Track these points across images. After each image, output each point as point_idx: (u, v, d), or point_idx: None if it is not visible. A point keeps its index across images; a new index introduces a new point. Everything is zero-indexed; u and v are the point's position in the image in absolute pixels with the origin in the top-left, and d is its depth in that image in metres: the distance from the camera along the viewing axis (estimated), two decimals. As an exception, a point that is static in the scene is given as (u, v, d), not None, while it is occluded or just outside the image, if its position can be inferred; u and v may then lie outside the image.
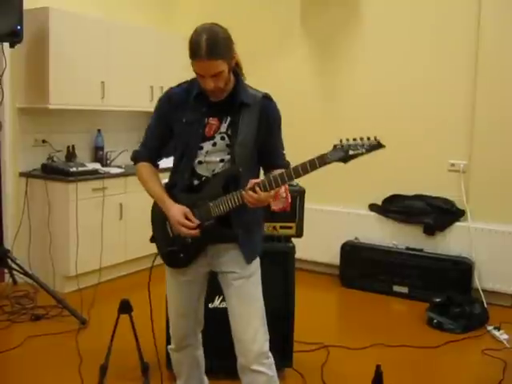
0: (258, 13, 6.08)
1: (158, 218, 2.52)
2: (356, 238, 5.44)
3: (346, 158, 2.16)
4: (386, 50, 5.41)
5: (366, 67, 5.52)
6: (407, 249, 5.16)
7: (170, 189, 2.47)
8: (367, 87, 5.51)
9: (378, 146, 2.13)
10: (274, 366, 2.49)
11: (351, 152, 2.14)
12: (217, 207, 2.33)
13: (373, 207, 5.51)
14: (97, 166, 5.39)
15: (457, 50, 5.05)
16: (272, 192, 2.22)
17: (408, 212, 5.26)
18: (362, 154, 2.14)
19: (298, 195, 3.39)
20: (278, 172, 2.24)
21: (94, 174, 5.10)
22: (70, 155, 5.40)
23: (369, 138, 2.14)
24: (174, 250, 2.47)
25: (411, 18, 5.26)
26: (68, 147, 5.42)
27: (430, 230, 5.16)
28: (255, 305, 2.47)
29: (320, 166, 2.16)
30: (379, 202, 5.48)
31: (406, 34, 5.29)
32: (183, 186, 2.42)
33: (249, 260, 2.45)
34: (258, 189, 2.21)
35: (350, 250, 5.36)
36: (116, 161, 5.83)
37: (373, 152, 2.13)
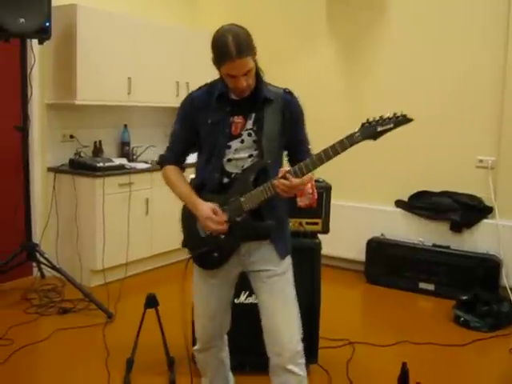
0: (283, 11, 6.06)
1: (189, 219, 2.50)
2: (382, 235, 5.41)
3: (375, 135, 2.15)
4: (412, 48, 5.35)
5: (392, 66, 5.47)
6: (434, 246, 5.11)
7: (198, 190, 2.45)
8: (393, 86, 5.45)
9: (405, 120, 2.12)
10: (305, 366, 2.46)
11: (380, 128, 2.13)
12: (249, 201, 2.32)
13: (399, 203, 5.46)
14: (123, 161, 5.42)
15: (485, 48, 4.97)
16: (304, 178, 2.22)
17: (435, 209, 5.20)
18: (390, 129, 2.13)
19: (325, 191, 3.38)
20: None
21: (120, 170, 5.14)
22: (97, 150, 5.45)
23: (395, 114, 2.13)
24: (208, 249, 2.43)
25: (438, 17, 5.19)
26: (95, 142, 5.47)
27: (457, 227, 5.10)
28: (290, 302, 2.44)
29: (350, 146, 2.16)
30: (406, 199, 5.43)
31: (433, 32, 5.23)
32: (213, 186, 2.41)
33: (282, 256, 2.44)
34: (289, 175, 2.21)
35: (376, 247, 5.33)
36: (142, 156, 5.87)
37: (401, 126, 2.12)
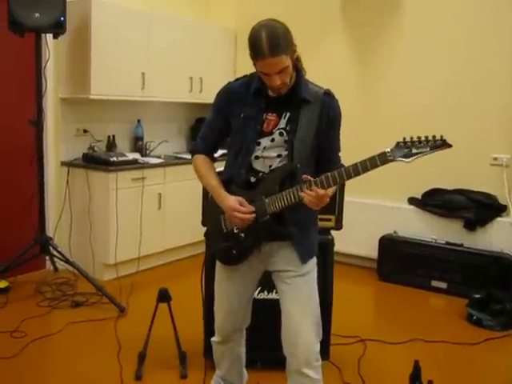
0: (297, 10, 6.01)
1: (213, 212, 2.47)
2: (395, 232, 5.38)
3: (408, 156, 2.07)
4: (426, 49, 5.32)
5: (407, 61, 5.44)
6: (447, 243, 5.07)
7: (227, 184, 2.41)
8: (407, 87, 5.42)
9: (443, 145, 2.04)
10: (320, 369, 2.42)
11: (414, 150, 2.06)
12: (272, 204, 2.27)
13: (412, 201, 5.44)
14: (136, 156, 5.43)
15: (500, 49, 4.94)
16: (330, 190, 2.16)
17: (448, 206, 5.17)
18: (426, 152, 2.06)
19: (338, 188, 3.36)
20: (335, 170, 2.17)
21: (133, 164, 5.15)
22: (111, 145, 5.47)
23: (434, 137, 2.05)
24: (227, 245, 2.41)
25: (454, 11, 5.15)
26: (108, 137, 5.49)
27: (470, 225, 5.07)
28: (308, 303, 2.38)
29: (381, 164, 2.08)
30: (419, 196, 5.41)
31: (447, 33, 5.19)
32: (240, 182, 2.37)
33: (304, 260, 2.38)
34: (314, 187, 2.15)
35: (389, 244, 5.31)
36: (155, 151, 5.88)
37: (438, 151, 2.04)
